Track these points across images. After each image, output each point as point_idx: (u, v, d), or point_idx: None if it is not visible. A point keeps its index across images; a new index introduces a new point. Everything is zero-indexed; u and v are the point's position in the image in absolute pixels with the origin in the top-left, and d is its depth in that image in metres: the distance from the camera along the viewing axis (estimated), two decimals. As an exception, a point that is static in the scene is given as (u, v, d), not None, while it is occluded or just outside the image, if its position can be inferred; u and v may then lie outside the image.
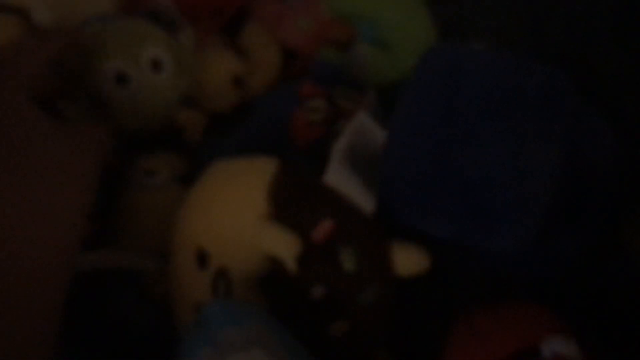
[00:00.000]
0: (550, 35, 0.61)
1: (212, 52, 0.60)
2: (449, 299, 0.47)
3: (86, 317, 0.47)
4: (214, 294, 0.45)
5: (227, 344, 0.38)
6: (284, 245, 0.42)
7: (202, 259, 0.45)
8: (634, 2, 0.60)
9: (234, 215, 0.44)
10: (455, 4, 0.63)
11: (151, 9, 0.59)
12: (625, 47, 0.59)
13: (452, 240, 0.43)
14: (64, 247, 0.42)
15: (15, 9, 0.59)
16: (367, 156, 0.48)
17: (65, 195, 0.42)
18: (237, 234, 0.44)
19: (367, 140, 0.49)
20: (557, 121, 0.43)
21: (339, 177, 0.44)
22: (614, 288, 0.47)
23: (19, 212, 0.41)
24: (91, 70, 0.52)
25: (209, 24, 0.63)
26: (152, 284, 0.49)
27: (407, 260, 0.43)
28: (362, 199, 0.45)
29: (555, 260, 0.46)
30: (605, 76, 0.58)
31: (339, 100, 0.52)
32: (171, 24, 0.56)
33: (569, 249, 0.46)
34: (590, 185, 0.46)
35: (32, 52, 0.46)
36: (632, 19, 0.60)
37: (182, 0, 0.60)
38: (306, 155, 0.49)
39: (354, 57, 0.56)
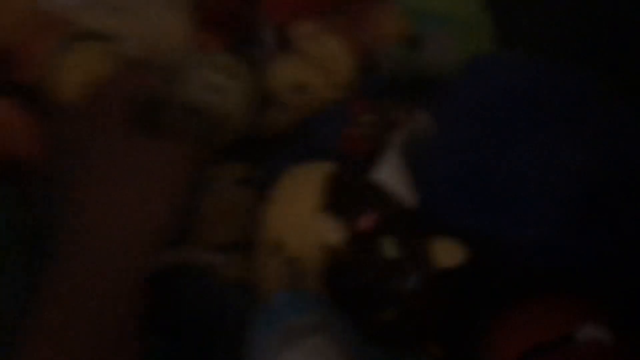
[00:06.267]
0: (604, 34, 0.63)
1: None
2: (491, 293, 0.50)
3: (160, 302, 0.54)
4: (286, 280, 0.50)
5: (292, 330, 0.43)
6: (331, 232, 0.47)
7: (276, 248, 0.51)
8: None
9: (297, 209, 0.50)
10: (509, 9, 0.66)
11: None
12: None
13: (484, 232, 0.47)
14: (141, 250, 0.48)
15: (106, 36, 0.67)
16: (419, 154, 0.53)
17: (148, 204, 0.49)
18: (300, 225, 0.50)
19: (422, 139, 0.54)
20: (586, 121, 0.46)
21: (387, 175, 0.49)
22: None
23: (104, 217, 0.47)
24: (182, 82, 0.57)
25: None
26: (221, 270, 0.55)
27: (446, 252, 0.47)
28: (408, 195, 0.49)
29: (593, 251, 0.48)
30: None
31: (389, 113, 0.57)
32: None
33: (605, 242, 0.48)
34: (627, 180, 0.48)
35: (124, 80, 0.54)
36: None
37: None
38: (361, 165, 0.54)
39: (431, 45, 0.61)
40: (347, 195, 0.49)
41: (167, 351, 0.52)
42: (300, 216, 0.49)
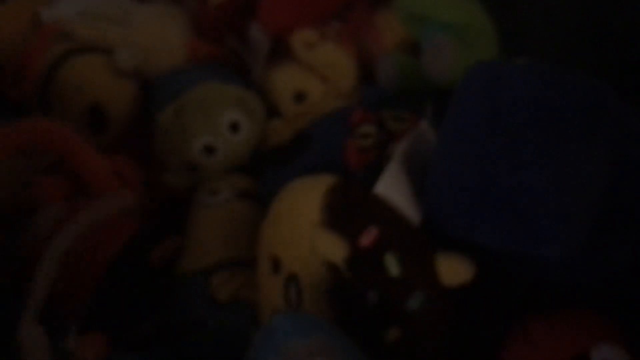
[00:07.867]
0: (609, 40, 0.61)
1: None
2: (504, 308, 0.48)
3: (156, 319, 0.53)
4: (285, 298, 0.49)
5: (292, 354, 0.41)
6: (332, 249, 0.46)
7: (276, 265, 0.50)
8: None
9: (296, 225, 0.49)
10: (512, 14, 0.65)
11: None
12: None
13: (498, 249, 0.45)
14: None
15: (102, 49, 0.66)
16: (423, 166, 0.51)
17: None
18: (300, 241, 0.48)
19: (425, 150, 0.52)
20: (599, 131, 0.43)
21: (389, 189, 0.47)
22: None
23: None
24: (183, 147, 0.63)
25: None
26: (219, 287, 0.54)
27: (452, 269, 0.45)
28: (411, 209, 0.47)
29: (604, 268, 0.46)
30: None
31: (389, 124, 0.55)
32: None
33: (617, 257, 0.46)
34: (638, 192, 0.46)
35: None
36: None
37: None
38: (361, 178, 0.53)
39: (432, 51, 0.59)
40: (347, 210, 0.47)
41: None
42: (299, 232, 0.48)
